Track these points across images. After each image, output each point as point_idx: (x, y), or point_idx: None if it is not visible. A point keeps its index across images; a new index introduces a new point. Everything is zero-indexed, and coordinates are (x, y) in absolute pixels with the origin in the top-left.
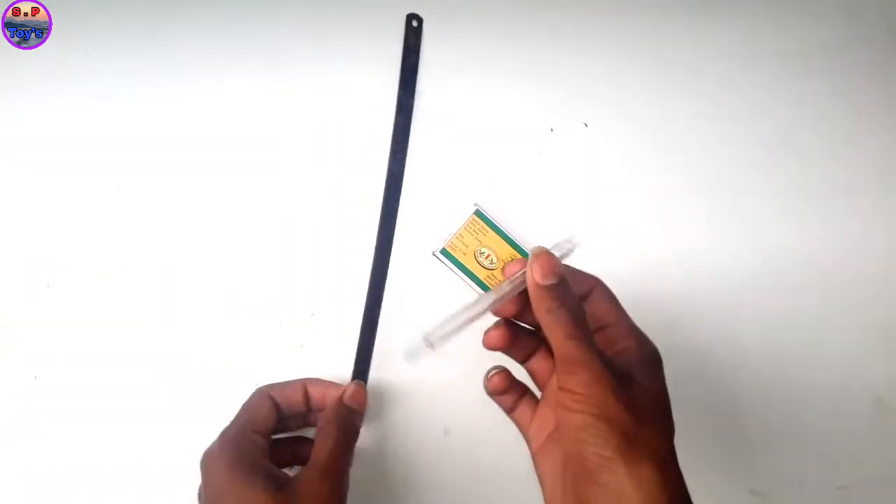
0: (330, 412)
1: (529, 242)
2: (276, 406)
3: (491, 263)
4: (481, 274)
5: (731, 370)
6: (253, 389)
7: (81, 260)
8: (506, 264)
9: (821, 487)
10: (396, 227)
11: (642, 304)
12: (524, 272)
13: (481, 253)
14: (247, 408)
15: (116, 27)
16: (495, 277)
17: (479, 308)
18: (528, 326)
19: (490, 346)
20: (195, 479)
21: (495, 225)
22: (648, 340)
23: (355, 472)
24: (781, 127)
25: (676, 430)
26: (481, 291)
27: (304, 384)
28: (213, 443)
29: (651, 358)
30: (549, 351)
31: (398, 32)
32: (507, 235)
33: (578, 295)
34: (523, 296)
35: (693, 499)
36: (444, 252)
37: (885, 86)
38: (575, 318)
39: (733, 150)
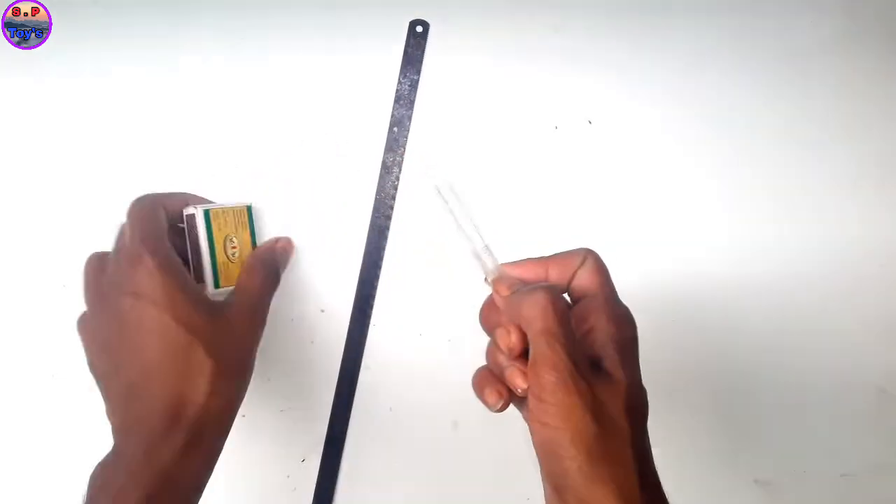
0: (261, 253)
1: (533, 244)
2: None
3: (233, 257)
4: (219, 259)
5: (734, 361)
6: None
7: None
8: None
9: (825, 475)
10: (389, 234)
11: (646, 298)
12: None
13: (231, 241)
14: (151, 217)
15: (117, 28)
16: (229, 272)
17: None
18: None
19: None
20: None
21: (254, 232)
22: (622, 314)
23: (366, 466)
24: (782, 123)
25: (681, 421)
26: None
27: (186, 199)
28: (133, 258)
29: (622, 337)
30: None
31: (403, 31)
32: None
33: (567, 276)
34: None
35: (697, 488)
36: (205, 213)
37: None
38: (556, 315)
39: (735, 147)
